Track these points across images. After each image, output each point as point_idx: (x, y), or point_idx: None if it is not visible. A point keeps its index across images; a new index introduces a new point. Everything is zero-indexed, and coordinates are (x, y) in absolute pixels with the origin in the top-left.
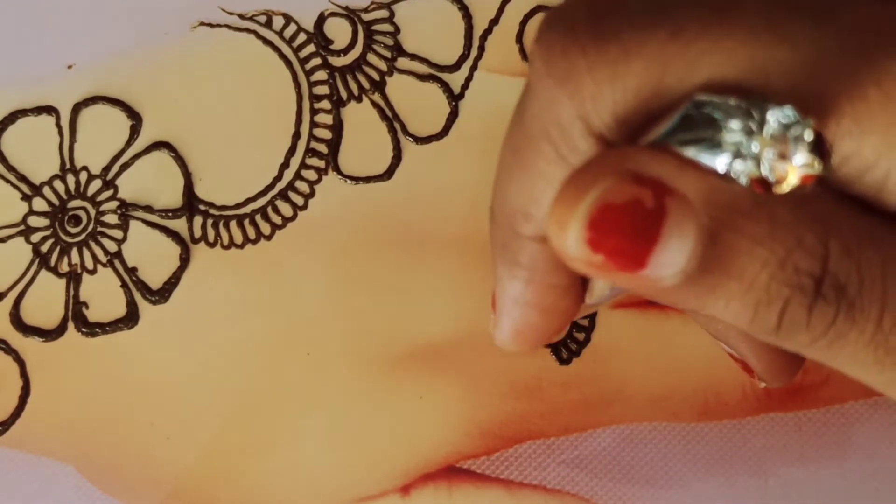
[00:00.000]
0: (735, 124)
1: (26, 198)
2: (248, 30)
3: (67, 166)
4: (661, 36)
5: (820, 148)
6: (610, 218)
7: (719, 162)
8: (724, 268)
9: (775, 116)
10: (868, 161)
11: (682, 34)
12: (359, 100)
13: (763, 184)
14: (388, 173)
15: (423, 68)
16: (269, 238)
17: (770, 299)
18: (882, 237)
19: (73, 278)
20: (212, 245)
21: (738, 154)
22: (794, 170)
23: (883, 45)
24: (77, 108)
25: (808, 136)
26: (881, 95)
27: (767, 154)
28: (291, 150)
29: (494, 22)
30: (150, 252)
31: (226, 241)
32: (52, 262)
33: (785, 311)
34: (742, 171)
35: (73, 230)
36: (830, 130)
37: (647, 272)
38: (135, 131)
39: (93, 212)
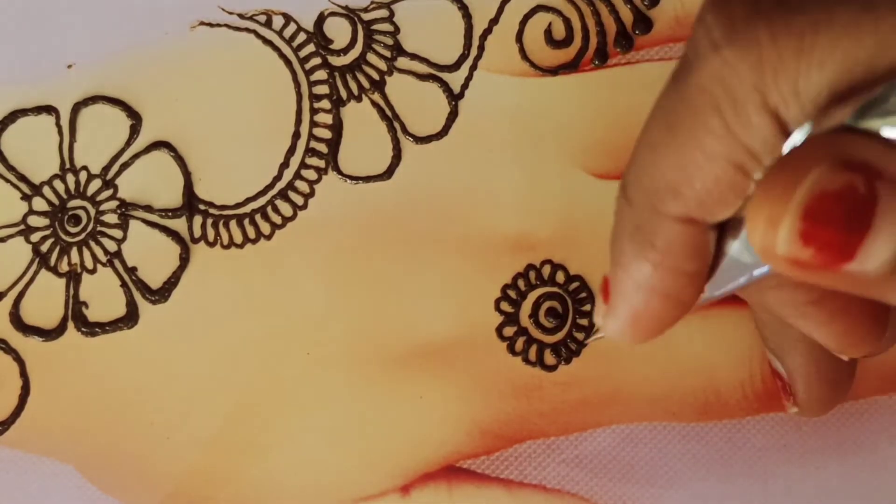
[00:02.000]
0: None
1: (26, 197)
2: (247, 29)
3: (67, 166)
4: (852, 9)
5: None
6: (825, 208)
7: None
8: None
9: None
10: None
11: (876, 8)
12: (359, 99)
13: None
14: (388, 173)
15: (422, 68)
16: (268, 238)
17: None
18: None
19: (73, 278)
20: (212, 245)
21: None
22: None
23: None
24: (77, 108)
25: None
26: None
27: None
28: (291, 150)
29: (494, 21)
30: (149, 252)
31: (226, 240)
32: (52, 261)
33: None
34: None
35: (73, 230)
36: None
37: (853, 265)
38: (135, 131)
39: (93, 211)
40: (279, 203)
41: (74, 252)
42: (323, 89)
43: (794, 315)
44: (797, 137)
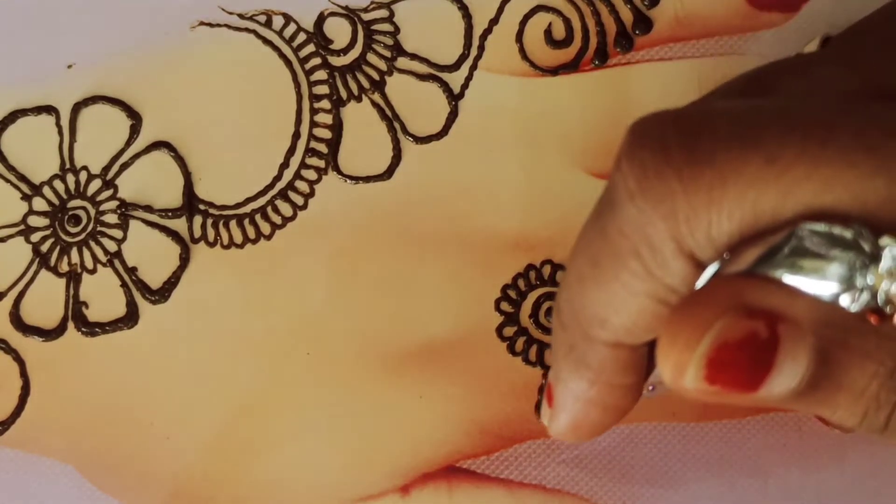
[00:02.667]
0: (843, 255)
1: (26, 197)
2: (247, 29)
3: (67, 166)
4: (756, 162)
5: None
6: (727, 355)
7: (826, 289)
8: (835, 382)
9: (893, 253)
10: None
11: (778, 161)
12: (358, 99)
13: (879, 314)
14: (388, 173)
15: (422, 68)
16: (268, 238)
17: (879, 405)
18: None
19: (73, 278)
20: (212, 245)
21: (848, 284)
22: None
23: None
24: (77, 108)
25: None
26: None
27: (884, 287)
28: (291, 150)
29: (494, 21)
30: (149, 252)
31: (226, 240)
32: (52, 261)
33: (893, 414)
34: (853, 301)
35: (73, 230)
36: None
37: (761, 395)
38: (135, 131)
39: (93, 211)
40: (279, 203)
41: (74, 252)
42: (323, 89)
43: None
44: (710, 272)
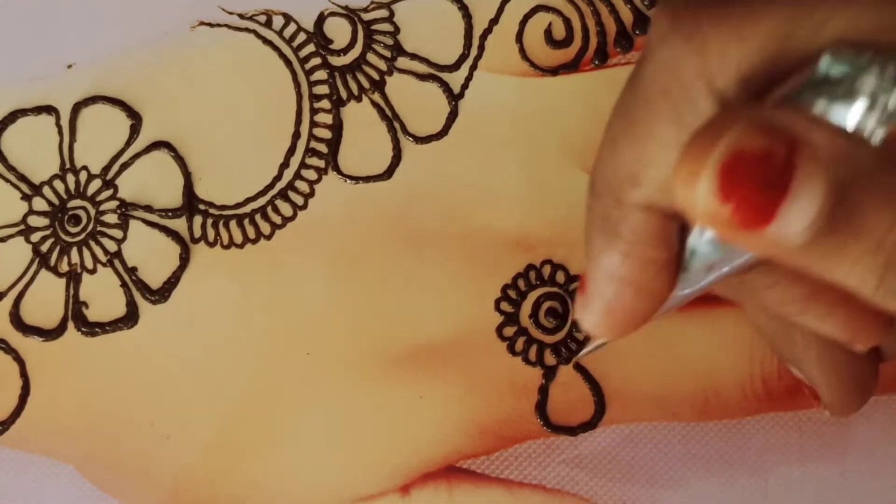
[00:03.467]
0: (868, 78)
1: (26, 197)
2: (247, 29)
3: (67, 166)
4: None
5: None
6: (741, 167)
7: (851, 116)
8: (853, 227)
9: None
10: None
11: None
12: (358, 99)
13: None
14: (388, 173)
15: (422, 68)
16: (268, 238)
17: None
18: None
19: (73, 278)
20: (212, 245)
21: (871, 108)
22: None
23: None
24: (77, 108)
25: None
26: None
27: None
28: (291, 150)
29: (494, 21)
30: (149, 252)
31: (226, 240)
32: (52, 261)
33: None
34: (876, 126)
35: (73, 230)
36: None
37: (774, 228)
38: (135, 131)
39: (93, 211)
40: (279, 203)
41: (74, 252)
42: (323, 89)
43: (794, 312)
44: None
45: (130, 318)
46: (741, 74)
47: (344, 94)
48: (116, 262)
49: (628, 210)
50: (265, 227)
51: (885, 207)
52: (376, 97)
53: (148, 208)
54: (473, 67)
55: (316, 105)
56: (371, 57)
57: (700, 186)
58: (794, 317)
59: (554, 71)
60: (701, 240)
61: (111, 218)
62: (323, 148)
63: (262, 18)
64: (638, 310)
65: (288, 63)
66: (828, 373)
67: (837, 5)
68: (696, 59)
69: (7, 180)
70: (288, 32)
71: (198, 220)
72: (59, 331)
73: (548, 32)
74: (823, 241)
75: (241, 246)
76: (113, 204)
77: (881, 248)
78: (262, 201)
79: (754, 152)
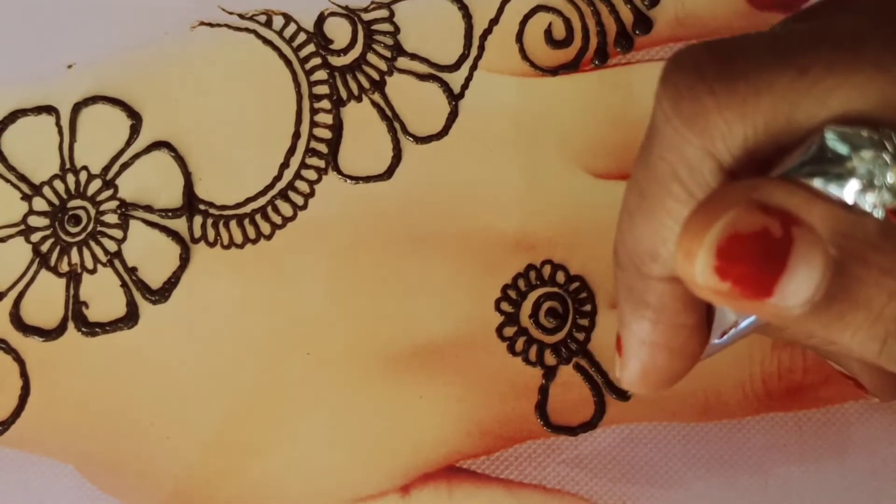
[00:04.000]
0: (866, 154)
1: (26, 197)
2: (248, 29)
3: (67, 166)
4: (789, 74)
5: None
6: (738, 246)
7: (847, 192)
8: (852, 298)
9: None
10: None
11: (811, 71)
12: (359, 99)
13: (893, 214)
14: (388, 173)
15: (422, 68)
16: (269, 238)
17: None
18: None
19: (73, 278)
20: (212, 245)
21: (869, 184)
22: None
23: None
24: (77, 108)
25: None
26: None
27: None
28: (291, 150)
29: (494, 22)
30: (150, 252)
31: (226, 240)
32: (52, 261)
33: None
34: (874, 202)
35: (73, 230)
36: None
37: (775, 300)
38: (135, 131)
39: (93, 211)
40: (279, 203)
41: (74, 252)
42: (323, 89)
43: (819, 347)
44: None
45: (130, 318)
46: (747, 151)
47: (344, 94)
48: (116, 262)
49: (651, 282)
50: (265, 228)
51: (884, 278)
52: (376, 97)
53: (148, 208)
54: (473, 67)
55: (316, 105)
56: (371, 57)
57: (698, 265)
58: (819, 351)
59: (554, 71)
60: None
61: (111, 218)
62: (323, 148)
63: (263, 18)
64: (673, 369)
65: (288, 63)
66: (868, 366)
67: (839, 81)
68: (700, 140)
69: (7, 180)
70: (288, 32)
71: (198, 220)
72: (59, 331)
73: (548, 32)
74: (824, 311)
75: (241, 246)
76: (113, 204)
77: (880, 319)
78: (262, 201)
79: (750, 231)
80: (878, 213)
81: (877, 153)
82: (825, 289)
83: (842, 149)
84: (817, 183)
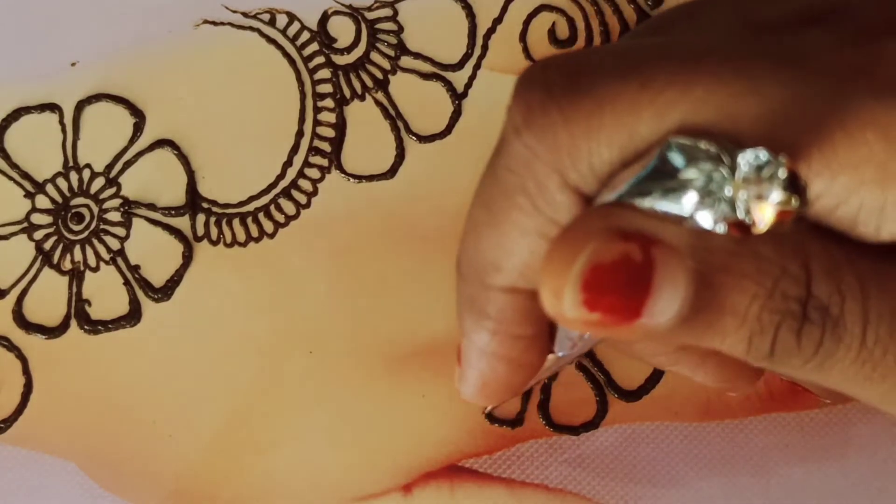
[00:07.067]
0: (704, 167)
1: (29, 195)
2: (251, 28)
3: (70, 164)
4: (632, 87)
5: (794, 185)
6: (602, 277)
7: (686, 205)
8: (718, 306)
9: (747, 158)
10: (839, 197)
11: (652, 84)
12: (362, 98)
13: (740, 226)
14: (392, 172)
15: (426, 67)
16: (272, 236)
17: (762, 328)
18: (857, 261)
19: (76, 276)
20: (215, 243)
21: (707, 197)
22: (771, 208)
23: (845, 91)
24: (80, 106)
25: (782, 173)
26: (846, 137)
27: (742, 196)
28: (294, 149)
29: (498, 21)
30: (152, 250)
31: (229, 239)
32: (55, 259)
33: (776, 337)
34: (715, 217)
35: (76, 228)
36: (802, 172)
37: (644, 321)
38: (138, 129)
39: (96, 209)
40: (282, 202)
41: (77, 250)
42: (326, 88)
43: (666, 364)
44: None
45: (133, 316)
46: (593, 168)
47: (347, 93)
48: (119, 260)
49: (493, 292)
50: (268, 226)
51: (744, 281)
52: (380, 96)
53: (151, 206)
54: (477, 67)
55: (319, 104)
56: (375, 56)
57: (566, 301)
58: (666, 367)
59: None
60: None
61: (114, 216)
62: (326, 147)
63: (266, 17)
64: (512, 381)
65: (291, 62)
66: (705, 367)
67: (679, 93)
68: (547, 155)
69: (10, 178)
70: (292, 31)
71: (201, 218)
72: (61, 329)
73: (551, 32)
74: (692, 322)
75: (244, 244)
76: (116, 202)
77: (745, 321)
78: (265, 200)
79: (613, 261)
80: (721, 229)
81: (714, 166)
82: (691, 302)
83: (680, 161)
84: (655, 197)
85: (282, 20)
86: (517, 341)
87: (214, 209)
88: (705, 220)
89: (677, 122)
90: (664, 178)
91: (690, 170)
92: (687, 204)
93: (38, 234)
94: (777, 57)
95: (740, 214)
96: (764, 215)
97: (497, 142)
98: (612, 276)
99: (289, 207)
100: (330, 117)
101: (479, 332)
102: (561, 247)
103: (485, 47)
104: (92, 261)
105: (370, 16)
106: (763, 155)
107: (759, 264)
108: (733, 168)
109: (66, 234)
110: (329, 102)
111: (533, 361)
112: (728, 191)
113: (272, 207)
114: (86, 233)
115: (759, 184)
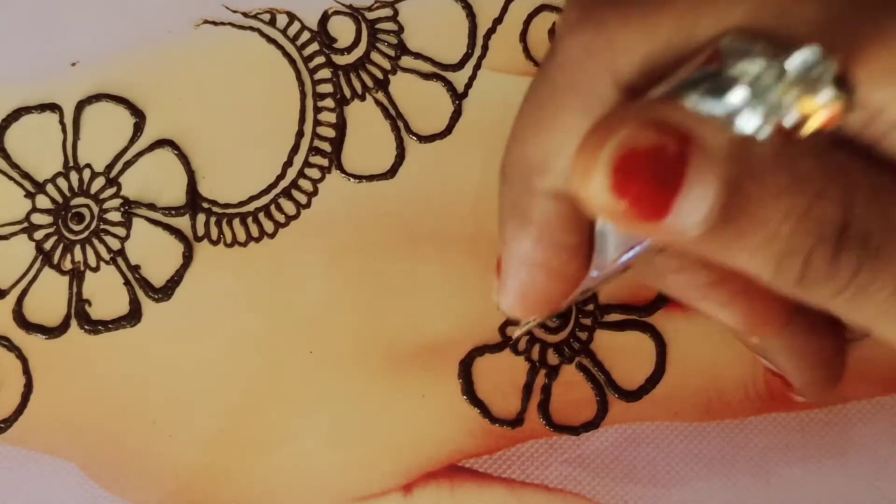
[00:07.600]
0: (757, 67)
1: (29, 195)
2: (251, 28)
3: (71, 164)
4: None
5: (843, 84)
6: (634, 163)
7: (731, 102)
8: (748, 218)
9: (798, 58)
10: (882, 103)
11: None
12: (362, 98)
13: (784, 131)
14: (392, 172)
15: (426, 67)
16: (272, 236)
17: (793, 249)
18: None
19: (76, 276)
20: (215, 243)
21: (753, 97)
22: (818, 109)
23: None
24: (81, 106)
25: (832, 72)
26: (887, 47)
27: (789, 97)
28: (295, 149)
29: (498, 21)
30: (153, 250)
31: (229, 239)
32: (55, 259)
33: (809, 261)
34: (761, 118)
35: (77, 228)
36: (857, 78)
37: (671, 221)
38: (138, 129)
39: (96, 209)
40: (283, 202)
41: (78, 250)
42: (327, 88)
43: (695, 298)
44: None
45: (133, 316)
46: (647, 67)
47: (348, 93)
48: (119, 260)
49: (538, 197)
50: (268, 226)
51: (778, 199)
52: (380, 96)
53: (151, 206)
54: (477, 67)
55: (320, 104)
56: (375, 56)
57: (594, 183)
58: (694, 302)
59: None
60: (608, 223)
61: (114, 216)
62: (326, 147)
63: (266, 17)
64: (552, 292)
65: (292, 62)
66: (795, 357)
67: None
68: (602, 52)
69: (10, 178)
70: (292, 31)
71: (201, 218)
72: (61, 329)
73: (552, 32)
74: (720, 232)
75: (244, 244)
76: (116, 202)
77: (776, 237)
78: (265, 200)
79: (646, 148)
80: (764, 133)
81: (765, 67)
82: (721, 208)
83: (732, 61)
84: (701, 93)
85: (282, 20)
86: (560, 250)
87: (215, 209)
88: (749, 122)
89: (735, 24)
90: (713, 77)
91: (741, 69)
92: (732, 102)
93: (39, 234)
94: None
95: (786, 116)
96: (810, 115)
97: (551, 44)
98: (644, 164)
99: (289, 207)
100: (330, 117)
101: (522, 238)
102: (597, 129)
103: (485, 47)
104: (92, 261)
105: (370, 16)
106: (815, 52)
107: (795, 180)
108: (783, 72)
109: (66, 234)
110: (329, 102)
111: (574, 274)
112: (776, 93)
113: (272, 207)
114: (86, 233)
115: (808, 83)
